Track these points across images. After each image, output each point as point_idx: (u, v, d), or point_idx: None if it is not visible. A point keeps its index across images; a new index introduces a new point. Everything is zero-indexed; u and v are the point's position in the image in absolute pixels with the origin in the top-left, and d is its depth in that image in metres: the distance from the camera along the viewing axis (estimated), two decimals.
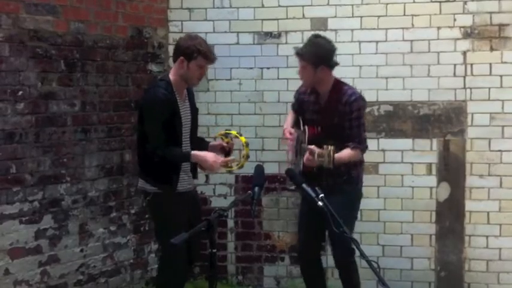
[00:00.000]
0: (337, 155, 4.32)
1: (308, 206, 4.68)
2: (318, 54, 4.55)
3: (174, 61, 4.42)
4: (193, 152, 4.39)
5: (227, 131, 4.65)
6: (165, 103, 4.29)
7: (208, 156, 4.36)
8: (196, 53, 4.32)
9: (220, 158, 4.41)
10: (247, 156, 4.52)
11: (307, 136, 4.60)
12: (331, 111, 4.59)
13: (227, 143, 4.55)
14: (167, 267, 4.55)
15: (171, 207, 4.39)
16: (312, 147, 4.30)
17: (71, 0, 5.03)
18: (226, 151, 4.54)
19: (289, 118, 4.92)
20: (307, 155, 4.36)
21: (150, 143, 4.34)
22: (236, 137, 4.55)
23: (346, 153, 4.49)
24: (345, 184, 4.62)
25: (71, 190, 5.07)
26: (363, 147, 4.63)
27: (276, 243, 5.84)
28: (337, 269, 4.80)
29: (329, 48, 4.63)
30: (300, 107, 4.83)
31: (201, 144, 4.58)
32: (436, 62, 5.48)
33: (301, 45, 4.79)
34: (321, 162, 4.25)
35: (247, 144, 4.50)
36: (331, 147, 4.20)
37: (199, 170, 4.63)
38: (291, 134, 4.70)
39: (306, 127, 4.66)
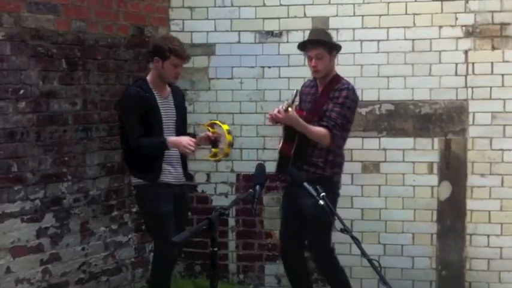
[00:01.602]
0: (305, 123, 4.42)
1: (288, 203, 4.71)
2: (330, 39, 4.72)
3: (150, 61, 4.59)
4: (168, 138, 4.52)
5: (212, 121, 4.74)
6: (137, 99, 4.47)
7: (181, 138, 4.50)
8: (169, 52, 4.48)
9: (192, 139, 4.49)
10: (231, 144, 4.57)
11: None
12: (323, 98, 4.64)
13: (213, 133, 4.61)
14: (159, 259, 4.63)
15: (156, 197, 4.52)
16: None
17: None
18: (212, 141, 4.60)
19: None
20: (275, 110, 4.39)
21: (129, 138, 4.51)
22: (220, 126, 4.62)
23: (313, 127, 4.51)
24: (315, 183, 4.16)
25: (72, 189, 5.07)
26: (333, 133, 4.53)
27: (277, 242, 5.83)
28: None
29: (330, 34, 4.82)
30: (300, 103, 4.84)
31: None
32: (437, 61, 5.48)
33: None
34: (287, 105, 4.32)
35: (229, 132, 4.56)
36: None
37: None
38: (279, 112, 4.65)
39: (294, 107, 4.60)
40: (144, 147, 4.49)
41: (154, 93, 4.56)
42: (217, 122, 4.70)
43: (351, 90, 4.65)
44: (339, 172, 4.75)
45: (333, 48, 4.68)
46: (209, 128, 4.66)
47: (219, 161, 4.91)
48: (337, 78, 4.71)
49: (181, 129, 4.68)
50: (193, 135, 4.70)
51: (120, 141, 4.79)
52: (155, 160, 4.55)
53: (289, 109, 4.34)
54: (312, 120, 4.57)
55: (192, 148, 4.45)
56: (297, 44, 5.04)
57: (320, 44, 4.61)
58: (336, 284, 4.82)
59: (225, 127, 4.58)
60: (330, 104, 4.58)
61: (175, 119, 4.64)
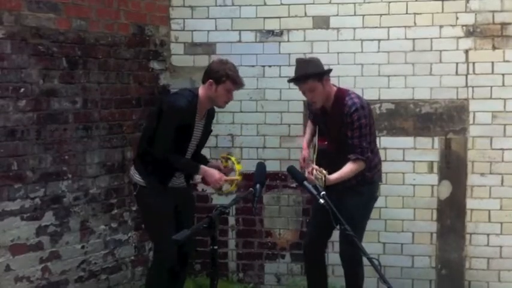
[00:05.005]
0: (334, 176, 4.36)
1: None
2: (316, 68, 4.53)
3: (204, 82, 4.54)
4: (202, 166, 4.57)
5: (228, 155, 4.78)
6: (184, 112, 4.42)
7: (214, 173, 4.54)
8: (225, 77, 4.46)
9: (224, 176, 4.56)
10: (237, 184, 4.62)
11: (316, 148, 4.65)
12: (336, 123, 4.57)
13: (225, 166, 4.70)
14: (159, 261, 4.61)
15: (158, 196, 4.51)
16: (313, 166, 4.34)
17: None
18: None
19: (308, 131, 4.96)
20: (307, 174, 4.35)
21: (158, 145, 4.44)
22: (233, 163, 4.66)
23: (346, 170, 4.46)
24: (358, 185, 4.60)
25: (73, 187, 5.08)
26: (364, 158, 4.51)
27: (276, 241, 5.84)
28: (342, 265, 4.79)
29: (316, 60, 4.61)
30: (314, 117, 4.85)
31: (201, 162, 4.68)
32: (438, 61, 5.48)
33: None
34: (315, 182, 4.25)
35: (240, 173, 4.61)
36: (325, 172, 4.23)
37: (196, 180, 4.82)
38: (304, 160, 4.77)
39: (316, 138, 4.71)
40: (173, 160, 4.46)
41: (196, 112, 4.51)
42: (233, 159, 4.70)
43: (360, 108, 4.49)
44: (378, 171, 4.75)
45: (323, 75, 4.53)
46: (223, 161, 4.73)
47: (220, 194, 4.92)
48: (340, 96, 4.57)
49: (198, 149, 4.69)
50: (206, 160, 4.76)
51: (143, 140, 4.60)
52: (168, 170, 4.54)
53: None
54: (335, 149, 4.56)
55: (221, 185, 4.57)
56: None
57: (307, 78, 4.50)
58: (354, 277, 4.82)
59: (239, 167, 4.62)
60: (348, 131, 4.48)
61: (198, 141, 4.63)
